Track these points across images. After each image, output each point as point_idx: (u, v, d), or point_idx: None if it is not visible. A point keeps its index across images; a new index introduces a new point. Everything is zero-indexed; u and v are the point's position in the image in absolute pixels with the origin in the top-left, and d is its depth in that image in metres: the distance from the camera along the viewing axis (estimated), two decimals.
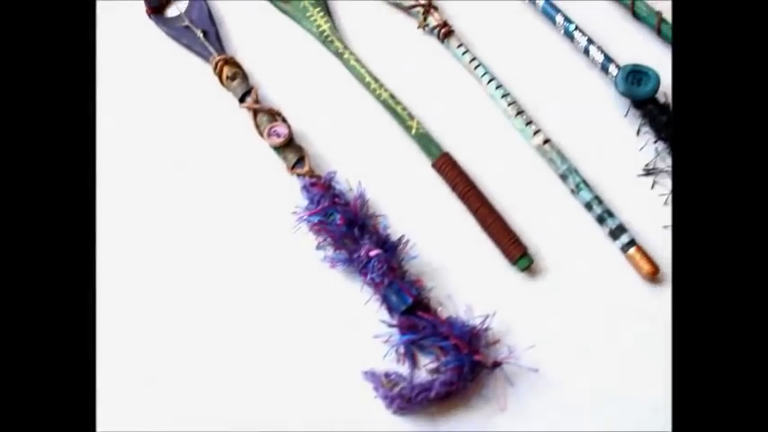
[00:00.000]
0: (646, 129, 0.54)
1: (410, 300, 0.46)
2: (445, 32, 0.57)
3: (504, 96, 0.54)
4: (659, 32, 0.58)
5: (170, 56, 0.60)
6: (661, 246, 0.50)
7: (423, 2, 0.59)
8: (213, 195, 0.54)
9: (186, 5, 0.61)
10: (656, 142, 0.54)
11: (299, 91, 0.58)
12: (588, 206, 0.51)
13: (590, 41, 0.57)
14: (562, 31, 0.58)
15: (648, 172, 0.53)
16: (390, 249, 0.48)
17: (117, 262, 0.51)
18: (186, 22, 0.59)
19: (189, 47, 0.58)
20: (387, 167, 0.54)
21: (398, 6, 0.60)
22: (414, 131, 0.53)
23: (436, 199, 0.52)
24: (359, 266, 0.48)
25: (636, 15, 0.59)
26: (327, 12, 0.60)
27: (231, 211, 0.53)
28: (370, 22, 0.61)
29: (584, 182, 0.51)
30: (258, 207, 0.53)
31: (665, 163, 0.53)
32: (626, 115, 0.55)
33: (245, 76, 0.56)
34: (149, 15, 0.61)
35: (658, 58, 0.57)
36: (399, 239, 0.49)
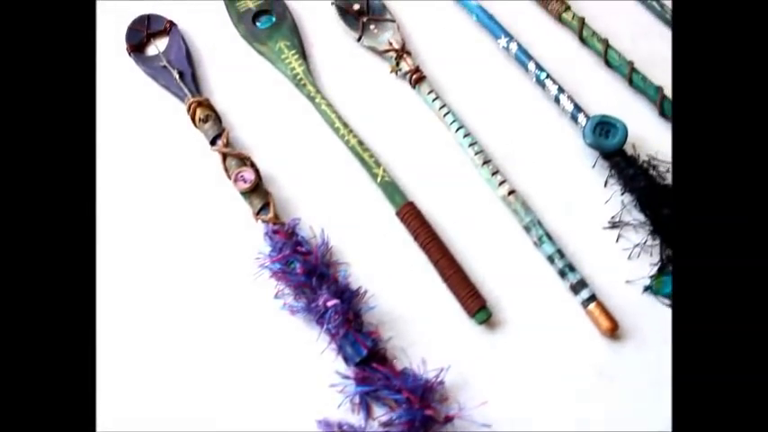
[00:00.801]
0: (613, 181, 0.54)
1: (364, 352, 0.46)
2: (416, 78, 0.57)
3: (471, 145, 0.54)
4: (630, 82, 0.58)
5: (152, 94, 0.61)
6: (622, 301, 0.50)
7: (396, 47, 0.59)
8: (181, 236, 0.54)
9: (166, 45, 0.62)
10: (622, 194, 0.54)
11: (272, 133, 0.58)
12: (550, 259, 0.51)
13: (560, 90, 0.57)
14: (534, 79, 0.58)
15: (614, 225, 0.53)
16: (348, 299, 0.49)
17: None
18: (164, 62, 0.60)
19: (166, 87, 0.59)
20: (353, 214, 0.54)
21: (373, 50, 0.61)
22: (379, 179, 0.53)
23: (400, 248, 0.53)
24: (316, 316, 0.48)
25: (609, 64, 0.59)
26: (302, 55, 0.60)
27: (197, 253, 0.53)
28: (345, 64, 0.62)
29: (547, 234, 0.51)
30: (224, 250, 0.53)
31: (631, 216, 0.53)
32: (594, 166, 0.55)
33: (217, 119, 0.57)
34: (129, 53, 0.62)
35: (629, 108, 0.58)
36: (358, 290, 0.49)
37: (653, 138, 0.56)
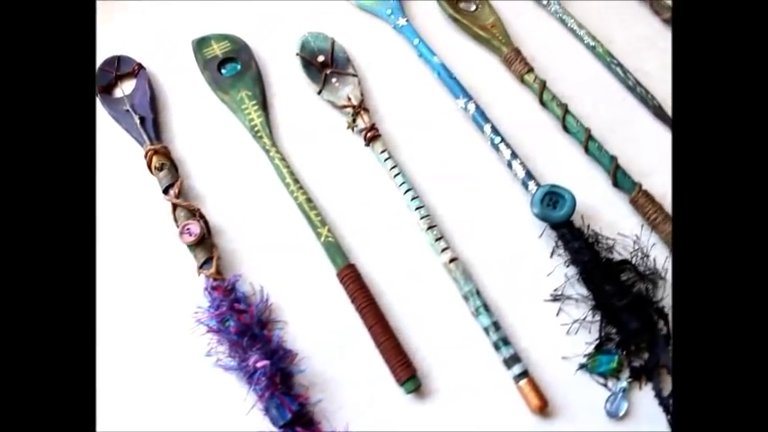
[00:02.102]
0: (559, 252, 0.54)
1: (288, 415, 0.46)
2: (371, 137, 0.58)
3: (418, 208, 0.54)
4: (586, 150, 0.58)
5: (118, 135, 0.62)
6: (556, 377, 0.49)
7: (354, 103, 0.60)
8: (127, 283, 0.55)
9: (132, 87, 0.63)
10: (567, 267, 0.53)
11: (227, 184, 0.59)
12: (486, 331, 0.50)
13: (513, 156, 0.56)
14: (489, 142, 0.58)
15: (555, 298, 0.52)
16: (279, 361, 0.49)
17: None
18: (127, 106, 0.61)
19: (127, 131, 0.60)
20: (297, 272, 0.54)
21: (332, 104, 0.61)
22: (323, 239, 0.53)
23: (339, 309, 0.53)
24: (246, 375, 0.48)
25: (566, 129, 0.59)
26: (263, 106, 0.61)
27: (141, 301, 0.54)
28: (305, 117, 0.62)
29: (485, 306, 0.51)
30: (168, 300, 0.54)
31: (574, 290, 0.53)
32: (540, 236, 0.55)
33: (173, 167, 0.58)
34: (97, 94, 0.63)
35: (583, 176, 0.57)
36: (290, 351, 0.50)
37: (604, 209, 0.56)
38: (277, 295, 0.53)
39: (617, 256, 0.53)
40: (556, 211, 0.53)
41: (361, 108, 0.59)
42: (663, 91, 0.62)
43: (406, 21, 0.65)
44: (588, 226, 0.54)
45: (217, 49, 0.64)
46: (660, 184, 0.57)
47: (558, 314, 0.52)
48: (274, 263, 0.55)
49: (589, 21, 0.66)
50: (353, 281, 0.52)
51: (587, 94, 0.62)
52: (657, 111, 0.60)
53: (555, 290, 0.53)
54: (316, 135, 0.61)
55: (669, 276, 0.52)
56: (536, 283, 0.53)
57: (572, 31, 0.65)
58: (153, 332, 0.53)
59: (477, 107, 0.59)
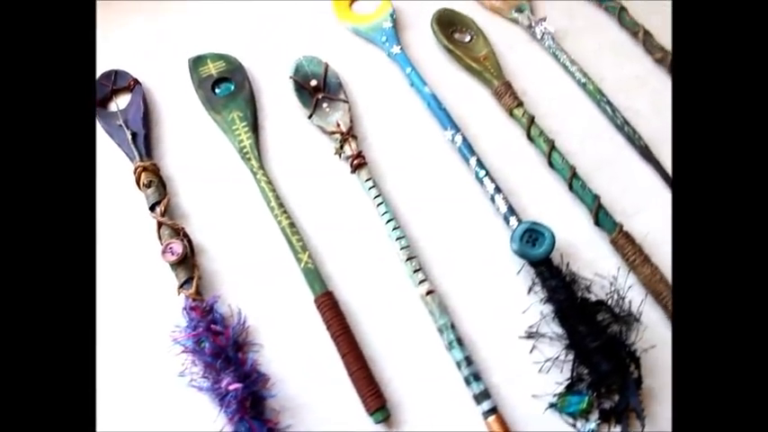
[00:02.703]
0: (536, 289, 0.54)
1: None
2: (357, 164, 0.58)
3: (399, 239, 0.55)
4: (570, 187, 0.58)
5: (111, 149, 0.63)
6: (525, 415, 0.50)
7: (343, 129, 0.60)
8: (111, 297, 0.55)
9: (127, 102, 0.64)
10: (543, 304, 0.53)
11: (213, 204, 0.60)
12: (458, 365, 0.51)
13: (497, 190, 0.57)
14: (473, 175, 0.59)
15: (530, 335, 0.53)
16: (252, 384, 0.49)
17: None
18: (120, 121, 0.62)
19: (119, 145, 0.61)
20: (276, 295, 0.55)
21: (322, 130, 0.62)
22: (302, 265, 0.54)
23: (316, 335, 0.53)
24: (217, 397, 0.49)
25: (552, 166, 0.59)
26: (253, 127, 0.62)
27: (121, 318, 0.54)
28: (295, 140, 0.63)
29: (458, 340, 0.51)
30: (148, 318, 0.54)
31: (549, 328, 0.53)
32: (519, 273, 0.55)
33: (160, 185, 0.58)
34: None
35: (565, 214, 0.58)
36: (264, 375, 0.50)
37: (584, 247, 0.56)
38: (255, 318, 0.53)
39: (594, 297, 0.53)
40: (535, 248, 0.54)
41: (349, 135, 0.60)
42: (651, 131, 0.62)
43: (400, 49, 0.66)
44: (567, 264, 0.55)
45: (212, 69, 0.65)
46: (642, 225, 0.57)
47: (531, 351, 0.52)
48: (254, 285, 0.55)
49: (582, 57, 0.67)
50: (329, 308, 0.52)
51: (575, 131, 0.63)
52: (644, 151, 0.61)
53: (530, 327, 0.53)
54: (304, 159, 0.62)
55: (644, 319, 0.53)
56: (512, 319, 0.53)
57: (564, 66, 0.66)
58: (132, 348, 0.53)
59: (465, 139, 0.59)
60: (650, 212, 0.59)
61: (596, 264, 0.56)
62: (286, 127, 0.63)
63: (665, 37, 0.68)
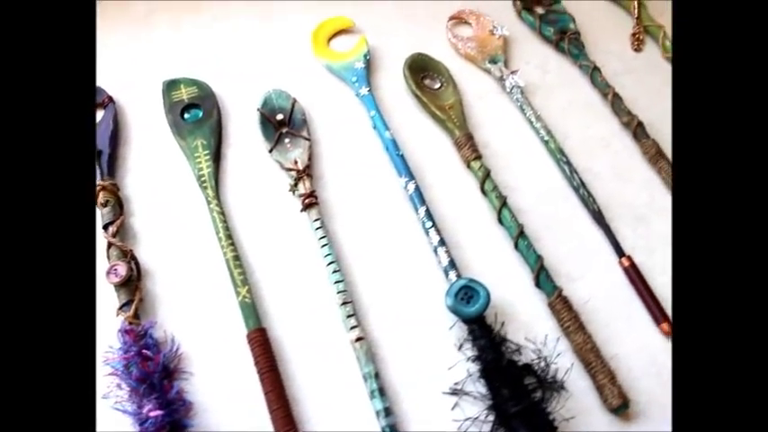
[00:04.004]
0: (466, 346, 0.54)
1: None
2: (308, 203, 0.59)
3: (337, 282, 0.56)
4: (516, 246, 0.58)
5: None
6: None
7: (299, 167, 0.61)
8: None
9: (98, 120, 0.66)
10: (472, 362, 0.54)
11: (167, 228, 0.61)
12: (377, 414, 0.51)
13: (441, 243, 0.57)
14: (420, 225, 0.59)
15: (454, 392, 0.53)
16: (173, 412, 0.50)
17: None
18: None
19: None
20: (214, 325, 0.56)
21: (281, 165, 0.63)
22: (240, 298, 0.55)
23: (246, 369, 0.53)
24: (138, 422, 0.50)
25: (501, 222, 0.60)
26: (215, 156, 0.63)
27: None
28: (254, 172, 0.64)
29: (380, 390, 0.51)
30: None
31: (474, 387, 0.53)
32: (451, 328, 0.55)
33: (117, 205, 0.60)
34: None
35: (508, 272, 0.58)
36: (188, 404, 0.51)
37: (523, 308, 0.56)
38: (189, 345, 0.55)
39: (523, 360, 0.53)
40: (468, 306, 0.54)
41: (304, 173, 0.61)
42: (606, 194, 0.62)
43: (368, 90, 0.67)
44: (502, 324, 0.55)
45: (184, 94, 0.66)
46: (584, 291, 0.57)
47: (453, 408, 0.52)
48: (194, 313, 0.57)
49: (550, 113, 0.67)
50: (259, 345, 0.53)
51: (532, 188, 0.63)
52: (596, 215, 0.61)
53: (455, 383, 0.53)
54: (260, 192, 0.63)
55: (570, 387, 0.53)
56: (439, 373, 0.54)
57: (529, 121, 0.66)
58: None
59: (417, 188, 0.60)
60: (594, 278, 0.58)
61: (532, 326, 0.56)
62: (247, 158, 0.65)
63: (635, 100, 0.68)
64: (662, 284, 0.58)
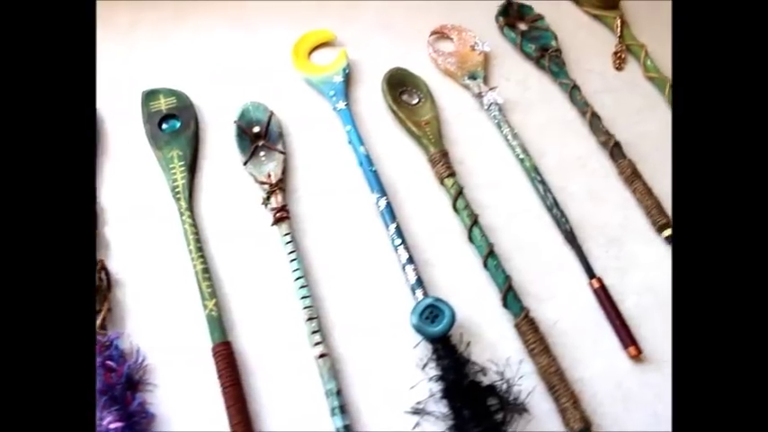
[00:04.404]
0: (430, 365, 0.54)
1: None
2: (279, 217, 0.59)
3: (303, 298, 0.56)
4: (485, 265, 0.58)
5: None
6: None
7: (273, 180, 0.61)
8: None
9: None
10: (435, 382, 0.54)
11: (140, 238, 0.61)
12: None
13: (409, 261, 0.57)
14: (390, 242, 0.59)
15: (416, 411, 0.53)
16: (133, 425, 0.51)
17: None
18: None
19: None
20: (180, 338, 0.56)
21: (254, 178, 0.63)
22: (207, 311, 0.55)
23: (210, 382, 0.53)
24: None
25: (471, 240, 0.60)
26: (190, 168, 0.63)
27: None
28: (229, 184, 0.64)
29: (342, 407, 0.51)
30: None
31: (436, 406, 0.53)
32: (416, 347, 0.55)
33: None
34: None
35: (476, 291, 0.58)
36: (149, 416, 0.51)
37: (489, 328, 0.56)
38: (156, 357, 0.55)
39: (486, 381, 0.53)
40: (433, 325, 0.54)
41: (277, 187, 0.61)
42: (580, 215, 0.62)
43: (345, 105, 0.67)
44: (469, 343, 0.55)
45: (163, 104, 0.67)
46: (553, 312, 0.57)
47: (414, 427, 0.52)
48: (162, 324, 0.57)
49: (528, 131, 0.67)
50: (223, 359, 0.53)
51: (505, 207, 0.63)
52: (568, 235, 0.60)
53: (418, 403, 0.53)
54: (234, 205, 0.63)
55: (533, 409, 0.52)
56: (402, 392, 0.53)
57: (505, 139, 0.66)
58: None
59: (388, 204, 0.60)
60: (564, 299, 0.58)
61: (498, 346, 0.55)
62: (223, 170, 0.65)
63: (614, 119, 0.68)
64: (632, 307, 0.58)
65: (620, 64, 0.73)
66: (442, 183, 0.62)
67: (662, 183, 0.64)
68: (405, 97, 0.68)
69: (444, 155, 0.63)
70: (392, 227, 0.59)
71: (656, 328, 0.57)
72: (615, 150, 0.65)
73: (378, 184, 0.61)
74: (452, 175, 0.62)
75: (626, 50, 0.74)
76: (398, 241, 0.58)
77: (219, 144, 0.66)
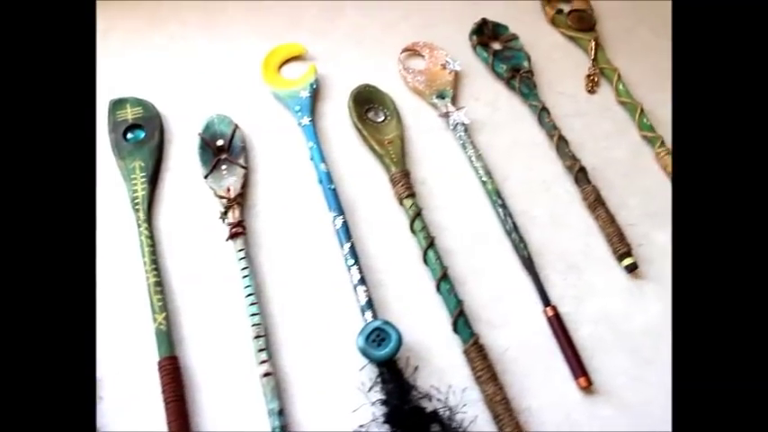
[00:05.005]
0: (375, 389, 0.54)
1: None
2: (234, 232, 0.59)
3: (252, 315, 0.55)
4: (438, 288, 0.58)
5: None
6: None
7: (231, 195, 0.61)
8: None
9: None
10: (380, 405, 0.53)
11: (98, 248, 0.60)
12: None
13: (361, 281, 0.57)
14: (344, 261, 0.59)
15: None
16: None
17: None
18: None
19: None
20: (129, 351, 0.56)
21: (214, 192, 0.63)
22: (156, 325, 0.55)
23: (156, 396, 0.53)
24: None
25: (425, 263, 0.59)
26: (151, 179, 0.63)
27: None
28: (189, 198, 0.64)
29: (283, 428, 0.51)
30: None
31: (378, 430, 0.52)
32: (362, 369, 0.55)
33: None
34: None
35: (428, 315, 0.57)
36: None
37: (438, 353, 0.56)
38: (104, 369, 0.55)
39: (430, 407, 0.53)
40: (379, 349, 0.53)
41: (235, 202, 0.61)
42: (540, 241, 0.61)
43: (310, 120, 0.67)
44: (416, 368, 0.54)
45: (129, 114, 0.67)
46: (505, 339, 0.57)
47: None
48: (111, 336, 0.57)
49: (494, 152, 0.67)
50: (168, 374, 0.53)
51: (464, 230, 0.62)
52: (526, 261, 0.60)
53: (360, 426, 0.53)
54: (193, 218, 0.63)
55: None
56: (345, 414, 0.53)
57: (469, 160, 0.65)
58: None
59: (345, 224, 0.60)
60: (517, 326, 0.58)
61: (446, 372, 0.55)
62: (184, 183, 0.65)
63: (582, 143, 0.67)
64: (586, 336, 0.57)
65: (592, 87, 0.72)
66: (401, 203, 0.62)
67: (626, 209, 0.63)
68: (370, 114, 0.68)
69: (406, 175, 0.63)
70: (347, 246, 0.59)
71: (609, 359, 0.56)
72: (580, 175, 0.64)
73: (336, 202, 0.61)
74: (412, 195, 0.62)
75: (599, 73, 0.73)
76: (352, 261, 0.58)
77: (183, 156, 0.66)
